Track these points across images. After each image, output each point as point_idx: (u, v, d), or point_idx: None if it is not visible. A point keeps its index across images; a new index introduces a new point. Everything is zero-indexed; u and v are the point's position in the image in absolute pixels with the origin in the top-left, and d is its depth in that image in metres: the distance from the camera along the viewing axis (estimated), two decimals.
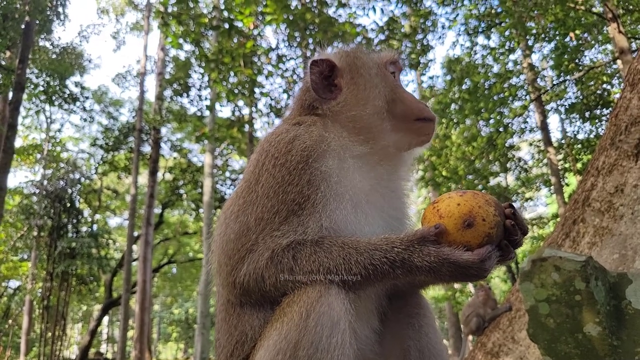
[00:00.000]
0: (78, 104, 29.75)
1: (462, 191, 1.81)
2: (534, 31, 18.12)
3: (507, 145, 20.91)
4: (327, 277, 1.76)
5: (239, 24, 15.71)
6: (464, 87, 18.79)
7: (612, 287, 1.84)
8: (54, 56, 28.27)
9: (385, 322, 2.16)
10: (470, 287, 39.52)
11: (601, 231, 3.76)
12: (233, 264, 1.89)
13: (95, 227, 29.40)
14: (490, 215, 1.73)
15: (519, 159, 26.20)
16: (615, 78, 20.57)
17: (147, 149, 26.02)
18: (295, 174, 1.94)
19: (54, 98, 28.53)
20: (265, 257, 1.83)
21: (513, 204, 1.85)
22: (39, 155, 31.30)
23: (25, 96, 23.43)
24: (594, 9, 16.85)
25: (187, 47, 21.26)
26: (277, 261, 1.81)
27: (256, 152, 2.15)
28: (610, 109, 20.25)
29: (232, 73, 16.39)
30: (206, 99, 23.25)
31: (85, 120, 32.64)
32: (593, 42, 20.08)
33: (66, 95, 28.73)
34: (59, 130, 33.76)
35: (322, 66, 2.24)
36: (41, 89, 28.00)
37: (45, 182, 26.05)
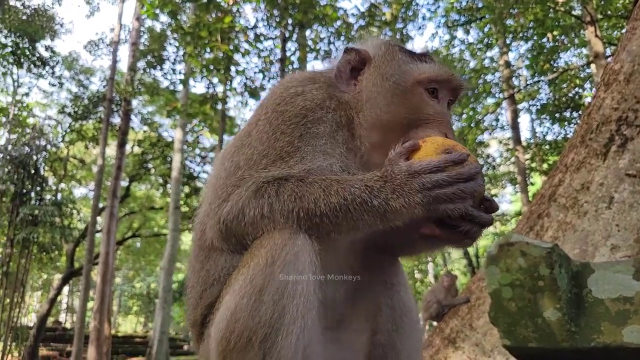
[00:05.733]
0: (47, 68, 28.87)
1: None
2: (513, 29, 18.32)
3: (477, 141, 21.17)
4: (303, 215, 1.74)
5: None
6: None
7: (575, 275, 1.88)
8: (24, 17, 27.30)
9: (357, 281, 2.15)
10: (430, 277, 40.17)
11: (564, 226, 3.83)
12: (220, 202, 1.90)
13: (59, 195, 28.71)
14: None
15: (488, 156, 26.60)
16: (588, 82, 21.01)
17: (116, 120, 25.43)
18: (289, 125, 1.96)
19: (22, 60, 27.61)
20: (250, 190, 1.82)
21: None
22: (4, 119, 30.31)
23: None
24: (573, 12, 17.11)
25: (163, 18, 20.84)
26: (260, 194, 1.80)
27: (267, 95, 2.20)
28: (580, 112, 20.71)
29: (208, 48, 16.13)
30: (180, 73, 22.85)
31: (54, 86, 31.65)
32: (569, 44, 20.42)
33: (35, 59, 27.82)
34: (26, 95, 32.70)
35: (352, 56, 2.16)
36: (9, 50, 27.05)
37: (9, 147, 25.23)
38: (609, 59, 14.76)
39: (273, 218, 1.77)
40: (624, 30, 3.90)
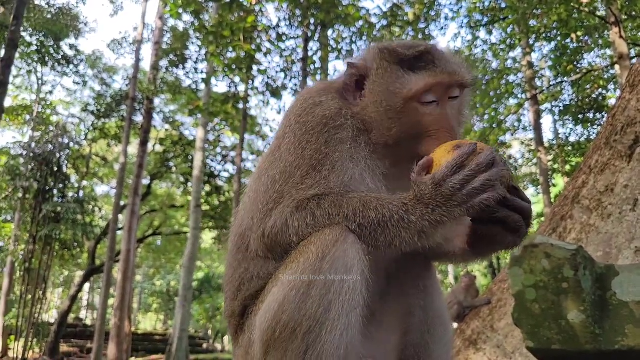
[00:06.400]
0: (71, 67, 29.36)
1: None
2: (536, 29, 18.09)
3: (499, 142, 20.94)
4: (345, 221, 1.81)
5: None
6: None
7: (599, 277, 1.87)
8: (49, 16, 27.77)
9: (391, 282, 2.21)
10: (450, 278, 39.88)
11: (588, 228, 3.79)
12: (262, 217, 1.98)
13: (81, 193, 29.08)
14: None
15: (510, 157, 26.32)
16: (612, 83, 20.66)
17: (139, 118, 25.72)
18: (313, 134, 2.04)
19: (46, 59, 28.09)
20: (291, 207, 1.90)
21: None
22: (28, 117, 30.81)
23: (17, 55, 23.00)
24: (597, 12, 16.84)
25: (186, 17, 21.02)
26: (302, 209, 1.88)
27: (288, 109, 2.30)
28: (604, 113, 20.38)
29: (230, 48, 16.24)
30: (202, 72, 23.03)
31: (77, 84, 32.18)
32: (593, 45, 20.10)
33: (60, 57, 28.29)
34: (50, 93, 33.23)
35: (355, 71, 2.16)
36: (34, 48, 27.55)
37: (33, 145, 25.63)
38: (634, 60, 14.52)
39: (316, 223, 1.85)
40: None
